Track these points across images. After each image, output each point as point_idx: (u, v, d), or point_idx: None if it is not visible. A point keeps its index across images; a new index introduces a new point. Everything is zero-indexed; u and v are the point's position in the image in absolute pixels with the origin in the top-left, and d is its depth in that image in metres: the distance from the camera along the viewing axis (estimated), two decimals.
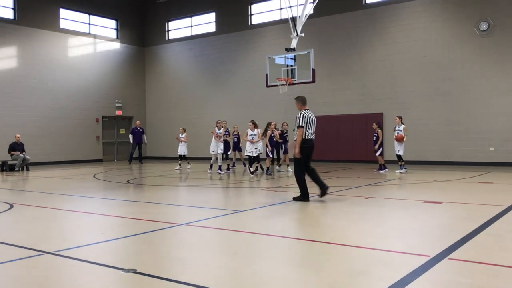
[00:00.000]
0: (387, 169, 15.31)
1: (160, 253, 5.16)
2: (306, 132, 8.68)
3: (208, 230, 6.40)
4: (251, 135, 14.87)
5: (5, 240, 5.71)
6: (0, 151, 18.98)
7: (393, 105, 18.98)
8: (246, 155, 14.99)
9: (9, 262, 4.73)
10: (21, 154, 18.28)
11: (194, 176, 15.26)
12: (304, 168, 8.77)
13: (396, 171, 14.76)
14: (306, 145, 8.69)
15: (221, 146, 15.22)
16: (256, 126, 15.12)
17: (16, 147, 18.46)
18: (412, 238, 5.74)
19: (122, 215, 7.73)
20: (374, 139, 15.58)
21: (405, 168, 14.81)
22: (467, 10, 17.61)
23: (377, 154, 15.39)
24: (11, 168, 18.13)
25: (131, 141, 22.05)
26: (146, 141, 22.62)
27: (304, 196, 8.72)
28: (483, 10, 17.24)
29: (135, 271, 4.29)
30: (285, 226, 6.79)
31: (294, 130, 9.97)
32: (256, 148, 14.68)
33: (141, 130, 22.17)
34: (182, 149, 17.83)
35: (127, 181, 13.61)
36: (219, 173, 15.04)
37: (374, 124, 15.72)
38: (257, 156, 14.85)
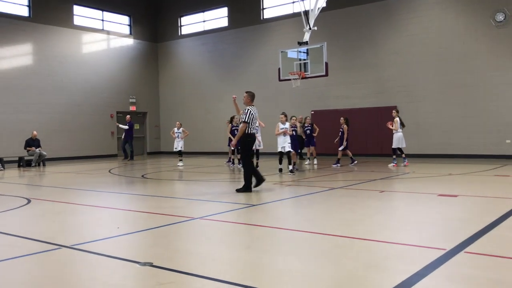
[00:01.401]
0: (355, 162, 15.45)
1: (176, 246, 5.20)
2: (251, 127, 9.27)
3: (222, 224, 6.42)
4: (283, 128, 13.08)
5: (23, 234, 5.80)
6: (16, 147, 19.25)
7: (407, 98, 18.81)
8: (279, 151, 13.16)
9: (27, 256, 4.81)
10: (37, 150, 18.52)
11: (208, 170, 15.32)
12: (250, 159, 9.48)
13: (400, 164, 14.85)
14: (250, 138, 9.28)
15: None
16: (287, 119, 13.39)
17: (32, 143, 18.71)
18: (428, 231, 5.71)
19: (137, 209, 7.80)
20: (340, 134, 15.64)
21: (394, 162, 14.84)
22: (482, 0, 17.33)
23: (340, 149, 15.45)
24: (28, 164, 18.40)
25: (123, 137, 21.36)
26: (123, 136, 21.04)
27: (247, 188, 9.21)
28: (499, 0, 16.95)
29: (151, 265, 4.33)
30: (299, 220, 6.80)
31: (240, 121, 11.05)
32: (289, 143, 12.84)
33: (130, 125, 21.30)
34: (180, 144, 16.98)
35: (142, 176, 13.71)
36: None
37: (341, 118, 15.74)
38: (289, 152, 12.96)
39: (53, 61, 22.17)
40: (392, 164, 14.76)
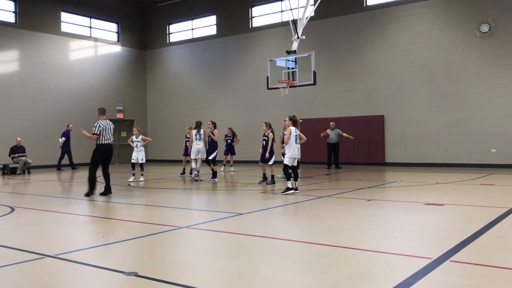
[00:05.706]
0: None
1: (161, 256, 5.15)
2: (103, 138, 10.39)
3: (209, 233, 6.38)
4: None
5: (6, 244, 5.70)
6: (1, 154, 18.99)
7: (394, 107, 18.96)
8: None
9: (10, 266, 4.73)
10: (23, 157, 18.28)
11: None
12: (97, 168, 10.47)
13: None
14: (102, 148, 10.44)
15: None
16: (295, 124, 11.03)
17: (17, 150, 18.47)
18: (414, 240, 5.72)
19: (123, 218, 7.72)
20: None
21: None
22: (468, 11, 17.59)
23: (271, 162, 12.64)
24: (13, 172, 18.15)
25: (61, 145, 19.66)
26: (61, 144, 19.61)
27: (91, 191, 10.31)
28: (484, 11, 17.21)
29: (136, 274, 4.28)
30: (287, 229, 6.78)
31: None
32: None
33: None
34: (140, 155, 14.08)
35: (128, 184, 13.60)
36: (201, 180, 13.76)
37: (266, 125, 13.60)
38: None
39: (40, 68, 21.98)
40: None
